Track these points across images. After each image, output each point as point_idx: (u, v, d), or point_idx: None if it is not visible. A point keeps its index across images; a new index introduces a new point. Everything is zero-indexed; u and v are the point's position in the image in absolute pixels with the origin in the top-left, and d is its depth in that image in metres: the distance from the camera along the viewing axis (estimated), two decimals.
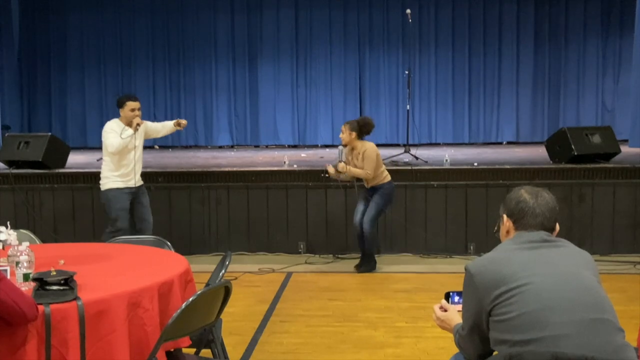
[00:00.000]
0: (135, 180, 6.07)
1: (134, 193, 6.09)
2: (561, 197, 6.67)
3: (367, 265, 6.46)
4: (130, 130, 5.90)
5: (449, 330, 2.54)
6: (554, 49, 11.89)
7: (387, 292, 5.83)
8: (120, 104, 6.05)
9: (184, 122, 6.36)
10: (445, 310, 2.57)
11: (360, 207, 6.43)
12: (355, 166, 6.27)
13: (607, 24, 11.84)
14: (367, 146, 6.27)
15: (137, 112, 6.00)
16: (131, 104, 6.00)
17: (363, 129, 6.32)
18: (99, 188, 6.12)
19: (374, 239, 6.52)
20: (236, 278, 6.17)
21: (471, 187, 7.09)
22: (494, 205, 6.63)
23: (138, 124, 5.94)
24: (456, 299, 2.58)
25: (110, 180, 6.02)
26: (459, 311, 2.49)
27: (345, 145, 6.36)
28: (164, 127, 6.44)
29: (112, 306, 2.67)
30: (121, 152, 5.91)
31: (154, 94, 12.19)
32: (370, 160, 6.20)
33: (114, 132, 5.91)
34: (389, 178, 6.40)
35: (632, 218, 7.00)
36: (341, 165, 6.26)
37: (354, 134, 6.28)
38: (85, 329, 2.57)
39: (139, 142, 6.07)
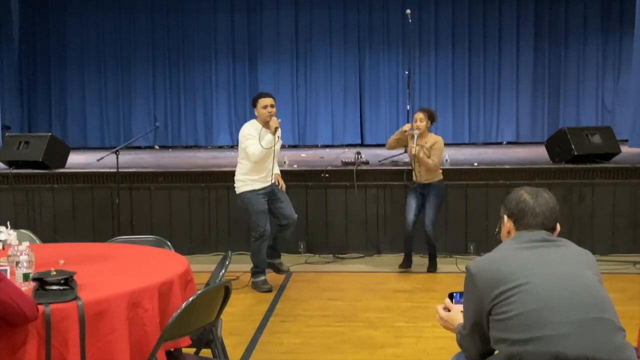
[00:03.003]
0: (270, 180, 5.85)
1: (269, 193, 5.85)
2: (561, 197, 6.67)
3: (434, 265, 6.49)
4: (270, 136, 5.62)
5: (452, 330, 2.55)
6: (554, 49, 11.89)
7: (387, 292, 5.83)
8: (254, 103, 5.81)
9: (281, 182, 6.00)
10: (449, 310, 2.58)
11: (412, 205, 6.37)
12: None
13: (607, 24, 11.84)
14: (439, 139, 6.36)
15: (269, 109, 5.69)
16: (263, 101, 5.72)
17: (433, 119, 6.39)
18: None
19: (436, 239, 6.53)
20: (238, 277, 6.17)
21: (471, 187, 7.09)
22: (494, 205, 6.64)
23: (277, 128, 5.63)
24: (460, 298, 2.58)
25: (245, 183, 5.80)
26: (462, 311, 2.49)
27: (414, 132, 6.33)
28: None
29: (112, 306, 2.67)
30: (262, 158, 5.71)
31: (154, 94, 12.20)
32: (440, 152, 6.31)
33: (253, 137, 5.65)
34: (441, 176, 6.45)
35: (632, 218, 7.00)
36: (414, 149, 6.19)
37: (429, 123, 6.32)
38: (85, 329, 2.57)
39: (277, 146, 5.73)
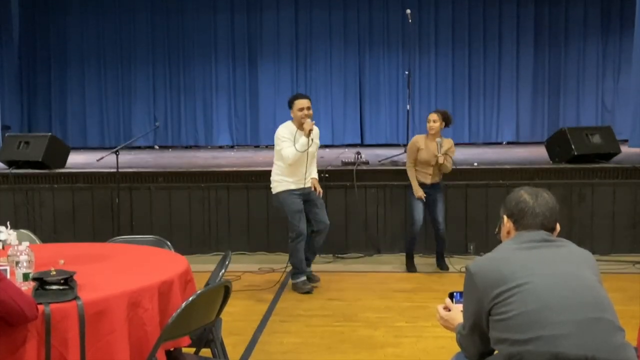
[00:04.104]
0: (305, 182, 5.79)
1: (306, 194, 5.81)
2: (561, 197, 6.66)
3: (445, 263, 6.47)
4: (304, 139, 5.57)
5: (452, 330, 2.55)
6: (554, 49, 11.89)
7: (387, 292, 5.83)
8: (290, 104, 5.77)
9: (318, 188, 5.89)
10: (449, 310, 2.58)
11: (420, 208, 6.28)
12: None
13: (607, 24, 11.84)
14: (452, 142, 6.34)
15: (305, 112, 5.64)
16: (299, 103, 5.67)
17: (449, 122, 6.27)
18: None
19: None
20: (239, 277, 6.17)
21: (471, 187, 7.09)
22: (494, 205, 6.64)
23: (310, 130, 5.58)
24: (460, 298, 2.58)
25: (280, 183, 5.78)
26: (462, 311, 2.49)
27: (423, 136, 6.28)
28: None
29: (111, 306, 2.67)
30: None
31: (154, 94, 12.20)
32: (453, 155, 6.28)
33: (287, 140, 5.65)
34: None
35: (632, 218, 7.00)
36: (441, 158, 6.11)
37: (442, 125, 6.21)
38: (85, 328, 2.57)
39: (312, 148, 5.69)
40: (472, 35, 11.92)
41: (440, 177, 6.35)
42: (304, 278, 5.87)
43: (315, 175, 5.99)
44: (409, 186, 6.39)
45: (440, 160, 6.10)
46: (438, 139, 6.16)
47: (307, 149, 5.61)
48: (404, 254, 6.61)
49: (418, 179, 6.30)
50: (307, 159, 5.68)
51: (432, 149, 6.18)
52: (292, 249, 5.81)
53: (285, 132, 5.73)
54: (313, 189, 5.90)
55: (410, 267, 6.48)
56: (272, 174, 5.90)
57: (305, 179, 5.78)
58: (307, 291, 5.79)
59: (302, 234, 5.73)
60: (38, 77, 12.26)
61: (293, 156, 5.61)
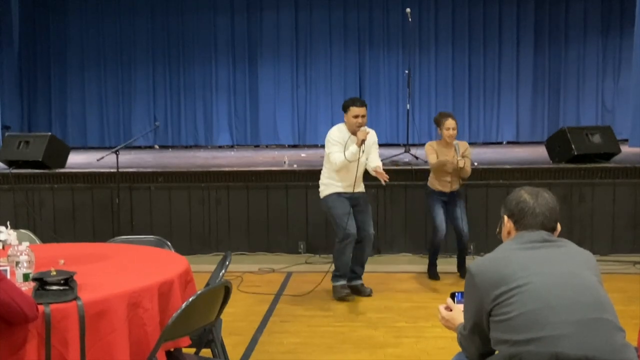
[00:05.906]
0: (354, 188, 5.57)
1: (355, 199, 5.58)
2: (561, 197, 6.66)
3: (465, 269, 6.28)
4: (355, 147, 5.34)
5: (453, 330, 2.55)
6: (554, 49, 11.90)
7: (387, 292, 5.83)
8: (345, 108, 5.57)
9: (384, 176, 5.39)
10: (451, 310, 2.58)
11: (442, 216, 6.04)
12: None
13: (607, 24, 11.86)
14: (467, 144, 6.12)
15: (359, 120, 5.46)
16: (354, 110, 5.48)
17: None
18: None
19: None
20: (241, 279, 6.16)
21: (471, 187, 7.07)
22: (494, 205, 6.65)
23: (363, 141, 5.34)
24: (462, 298, 2.58)
25: (328, 187, 5.58)
26: (463, 311, 2.49)
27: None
28: (368, 167, 5.62)
29: (112, 306, 2.67)
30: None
31: (154, 94, 12.21)
32: (470, 156, 6.06)
33: (337, 144, 5.45)
34: None
35: (632, 218, 7.00)
36: (462, 161, 5.85)
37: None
38: (85, 328, 2.57)
39: (363, 158, 5.46)
40: (472, 35, 11.93)
41: (459, 183, 6.10)
42: (343, 282, 5.65)
43: (379, 163, 5.61)
44: (428, 193, 6.16)
45: (461, 163, 5.84)
46: (455, 142, 5.95)
47: (358, 158, 5.41)
48: (405, 254, 6.57)
49: (437, 188, 6.07)
50: (358, 167, 5.47)
51: (450, 155, 5.94)
52: (338, 250, 5.55)
53: (337, 135, 5.53)
54: (379, 176, 5.47)
55: (433, 276, 6.21)
56: (321, 176, 5.70)
57: (354, 185, 5.58)
58: (343, 297, 5.58)
59: (350, 235, 5.43)
60: (38, 77, 12.27)
61: (340, 163, 5.42)
